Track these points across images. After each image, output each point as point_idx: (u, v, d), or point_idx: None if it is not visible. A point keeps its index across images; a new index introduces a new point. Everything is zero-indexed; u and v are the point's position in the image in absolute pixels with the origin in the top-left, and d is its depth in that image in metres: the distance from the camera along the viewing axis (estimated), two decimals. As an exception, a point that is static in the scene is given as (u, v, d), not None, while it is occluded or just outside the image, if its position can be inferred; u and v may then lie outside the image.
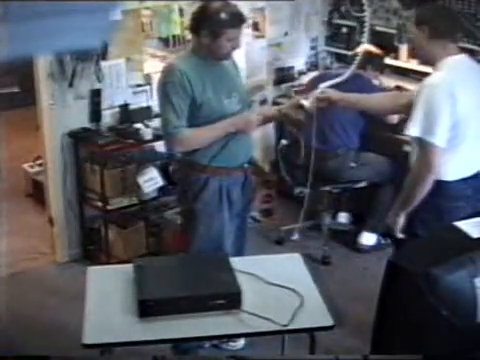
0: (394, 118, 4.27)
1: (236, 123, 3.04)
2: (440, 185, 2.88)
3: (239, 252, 3.25)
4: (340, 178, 4.25)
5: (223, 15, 2.91)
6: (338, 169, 4.22)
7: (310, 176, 3.47)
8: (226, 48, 2.97)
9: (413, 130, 2.82)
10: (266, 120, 3.39)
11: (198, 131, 3.00)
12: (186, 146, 3.05)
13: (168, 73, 3.01)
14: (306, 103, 3.21)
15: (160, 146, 3.99)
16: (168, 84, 2.97)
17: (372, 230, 4.43)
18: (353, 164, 4.23)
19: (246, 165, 3.19)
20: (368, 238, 4.43)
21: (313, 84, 4.14)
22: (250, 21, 4.73)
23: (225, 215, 3.14)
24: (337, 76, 4.37)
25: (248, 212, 3.36)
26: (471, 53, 4.30)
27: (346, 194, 4.59)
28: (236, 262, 2.80)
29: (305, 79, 4.90)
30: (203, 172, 3.07)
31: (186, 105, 2.96)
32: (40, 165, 4.77)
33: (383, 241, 4.45)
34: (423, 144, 2.83)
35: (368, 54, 4.36)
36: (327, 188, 4.32)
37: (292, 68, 5.07)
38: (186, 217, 3.27)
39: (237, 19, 2.96)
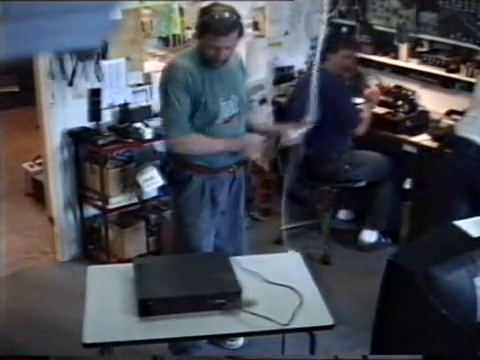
0: (360, 131, 4.22)
1: (242, 145, 3.09)
2: None
3: (237, 250, 3.25)
4: (336, 179, 4.25)
5: (208, 19, 2.89)
6: (333, 171, 4.21)
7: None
8: (207, 54, 2.96)
9: None
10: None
11: (202, 139, 3.03)
12: (187, 149, 3.06)
13: (171, 71, 3.03)
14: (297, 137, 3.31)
15: (160, 145, 4.00)
16: (172, 82, 2.98)
17: (373, 228, 4.43)
18: (347, 166, 4.22)
19: (234, 166, 3.19)
20: (369, 235, 4.43)
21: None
22: (250, 20, 4.74)
23: (206, 213, 3.16)
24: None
25: (241, 210, 3.34)
26: (470, 52, 4.33)
27: (347, 192, 4.58)
28: (236, 261, 2.80)
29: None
30: (187, 169, 3.11)
31: (189, 103, 2.99)
32: (40, 164, 4.77)
33: (384, 240, 4.45)
34: None
35: None
36: (325, 188, 4.32)
37: (292, 67, 5.07)
38: (171, 213, 3.33)
39: (222, 27, 2.88)
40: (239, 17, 2.97)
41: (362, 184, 4.31)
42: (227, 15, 2.90)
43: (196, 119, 3.03)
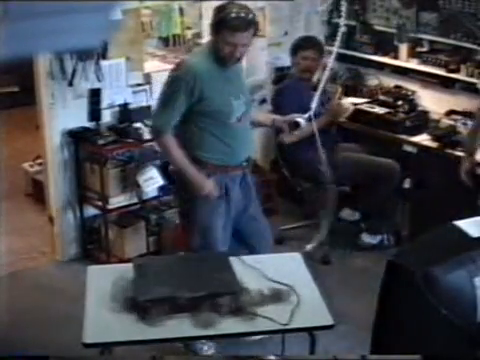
0: (283, 139, 4.18)
1: (199, 183, 3.10)
2: None
3: (268, 245, 3.36)
4: (313, 180, 4.24)
5: (225, 16, 2.94)
6: (307, 172, 4.22)
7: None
8: (223, 51, 3.00)
9: None
10: (260, 125, 3.61)
11: (175, 149, 3.09)
12: (161, 148, 3.24)
13: (183, 69, 3.06)
14: (301, 121, 3.26)
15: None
16: (180, 81, 3.02)
17: (374, 232, 4.41)
18: (321, 166, 4.15)
19: (244, 163, 3.23)
20: (371, 237, 4.42)
21: None
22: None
23: (222, 211, 3.20)
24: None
25: (258, 207, 3.40)
26: (470, 52, 4.33)
27: (350, 192, 4.54)
28: (236, 261, 2.80)
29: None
30: (204, 168, 3.13)
31: (185, 107, 3.04)
32: (40, 164, 4.78)
33: (387, 242, 4.42)
34: None
35: None
36: (307, 186, 4.34)
37: (291, 68, 5.07)
38: (184, 213, 3.33)
39: (239, 23, 2.94)
40: (254, 15, 3.04)
41: (346, 189, 4.30)
42: (244, 12, 2.97)
43: (209, 119, 3.08)
